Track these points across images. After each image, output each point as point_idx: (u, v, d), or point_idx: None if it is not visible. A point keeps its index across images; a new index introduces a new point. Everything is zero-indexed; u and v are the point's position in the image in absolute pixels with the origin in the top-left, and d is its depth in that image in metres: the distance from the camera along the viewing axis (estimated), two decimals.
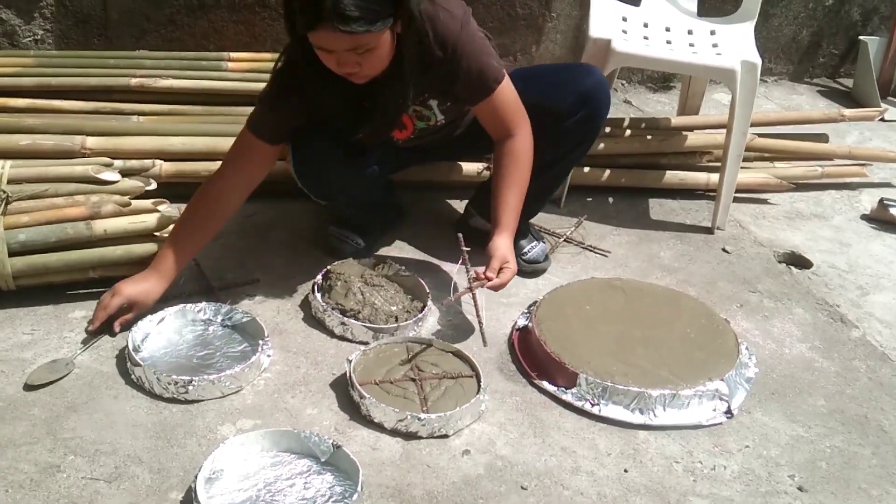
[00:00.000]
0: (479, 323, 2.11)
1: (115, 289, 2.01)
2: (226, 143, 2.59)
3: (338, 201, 2.34)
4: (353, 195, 2.30)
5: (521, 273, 2.42)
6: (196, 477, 1.60)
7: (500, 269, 2.06)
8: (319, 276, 2.22)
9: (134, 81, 2.85)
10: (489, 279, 2.04)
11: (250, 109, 2.83)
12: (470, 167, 2.74)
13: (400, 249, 2.49)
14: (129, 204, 2.19)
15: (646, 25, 2.86)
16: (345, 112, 2.07)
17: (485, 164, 2.71)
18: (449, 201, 2.73)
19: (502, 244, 2.09)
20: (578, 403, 1.95)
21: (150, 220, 2.17)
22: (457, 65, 2.01)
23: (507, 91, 2.11)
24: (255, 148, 2.10)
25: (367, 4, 1.73)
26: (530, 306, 2.28)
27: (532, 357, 2.09)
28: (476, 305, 2.10)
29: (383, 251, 2.47)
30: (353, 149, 2.16)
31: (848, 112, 3.37)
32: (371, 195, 2.38)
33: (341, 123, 2.09)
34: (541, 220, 2.59)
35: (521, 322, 2.22)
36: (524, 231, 2.46)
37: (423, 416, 1.81)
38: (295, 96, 2.03)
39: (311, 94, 2.01)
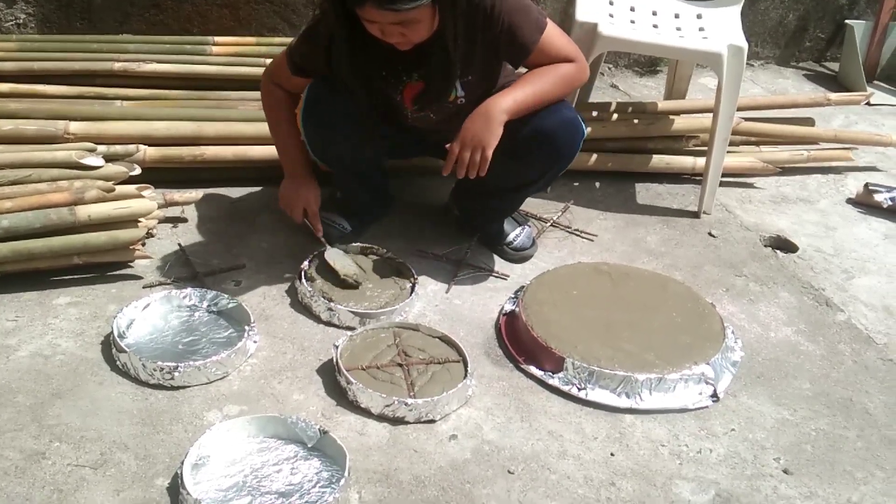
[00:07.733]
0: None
1: (298, 202, 2.27)
2: (210, 128, 2.60)
3: (332, 162, 2.33)
4: (350, 158, 2.28)
5: (509, 259, 2.43)
6: (182, 463, 1.60)
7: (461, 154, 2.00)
8: (306, 262, 2.21)
9: (117, 66, 2.83)
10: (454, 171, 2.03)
11: (234, 94, 2.86)
12: None
13: (387, 234, 2.48)
14: (114, 189, 2.17)
15: (632, 9, 2.86)
16: (389, 77, 2.12)
17: None
18: (436, 188, 2.72)
19: (472, 118, 2.00)
20: (565, 388, 1.96)
21: (134, 205, 2.16)
22: (498, 25, 2.02)
23: (552, 37, 2.07)
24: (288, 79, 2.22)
25: None
26: (517, 291, 2.28)
27: (519, 342, 2.09)
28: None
29: (370, 236, 2.46)
30: (363, 117, 2.17)
31: (834, 96, 3.37)
32: (365, 167, 2.35)
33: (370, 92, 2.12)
34: (527, 204, 2.58)
35: (508, 307, 2.22)
36: (511, 217, 2.46)
37: (410, 401, 1.81)
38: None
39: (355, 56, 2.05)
